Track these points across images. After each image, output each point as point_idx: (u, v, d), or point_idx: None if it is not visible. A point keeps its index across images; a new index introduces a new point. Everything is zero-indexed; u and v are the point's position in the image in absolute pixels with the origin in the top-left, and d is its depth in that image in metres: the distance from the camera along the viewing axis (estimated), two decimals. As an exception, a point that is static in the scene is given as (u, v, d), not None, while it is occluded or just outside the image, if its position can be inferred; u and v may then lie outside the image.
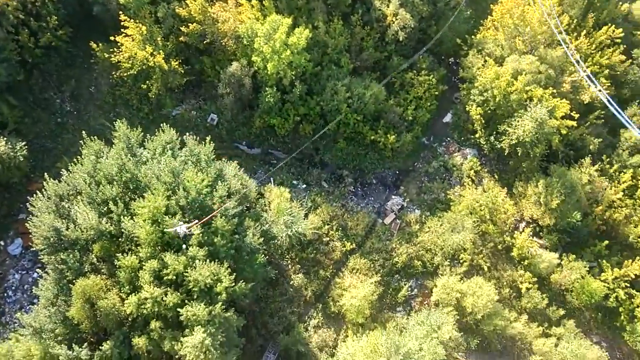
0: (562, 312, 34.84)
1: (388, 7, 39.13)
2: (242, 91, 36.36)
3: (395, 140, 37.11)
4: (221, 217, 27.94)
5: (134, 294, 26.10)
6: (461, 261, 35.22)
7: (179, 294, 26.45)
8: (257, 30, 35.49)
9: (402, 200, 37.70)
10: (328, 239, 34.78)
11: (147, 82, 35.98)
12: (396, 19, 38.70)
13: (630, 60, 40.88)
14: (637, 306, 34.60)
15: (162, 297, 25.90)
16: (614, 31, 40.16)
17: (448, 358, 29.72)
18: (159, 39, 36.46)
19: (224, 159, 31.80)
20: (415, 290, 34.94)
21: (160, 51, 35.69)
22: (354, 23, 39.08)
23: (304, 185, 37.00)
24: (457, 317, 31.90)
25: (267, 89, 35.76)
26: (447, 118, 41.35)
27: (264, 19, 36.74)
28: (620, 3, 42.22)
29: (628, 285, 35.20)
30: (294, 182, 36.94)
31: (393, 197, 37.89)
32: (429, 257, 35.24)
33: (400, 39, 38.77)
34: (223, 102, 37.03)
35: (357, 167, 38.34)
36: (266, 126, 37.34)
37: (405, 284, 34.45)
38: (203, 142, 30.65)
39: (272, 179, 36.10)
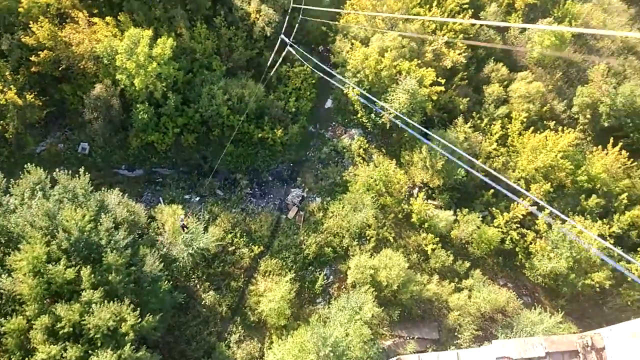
0: (467, 264, 35.66)
1: (250, 4, 37.56)
2: (111, 113, 32.84)
3: (283, 134, 35.73)
4: (112, 252, 24.80)
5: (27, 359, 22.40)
6: (368, 238, 34.79)
7: (80, 345, 23.18)
8: (117, 47, 32.33)
9: (302, 192, 36.45)
10: (233, 247, 32.56)
11: (1, 122, 31.30)
12: (260, 16, 37.29)
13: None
14: (530, 243, 36.30)
15: (62, 354, 22.51)
16: (461, -3, 41.72)
17: (374, 335, 29.01)
18: (7, 73, 32.11)
19: (103, 189, 28.39)
20: (331, 277, 33.93)
21: (11, 86, 31.45)
22: (218, 25, 37.02)
23: (198, 198, 34.36)
24: (375, 293, 31.37)
25: (138, 105, 32.66)
26: (329, 104, 40.71)
27: (122, 34, 33.56)
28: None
29: (518, 226, 36.83)
30: (186, 196, 34.18)
31: (292, 190, 36.49)
32: (338, 241, 34.38)
33: (268, 34, 37.38)
34: (92, 128, 33.23)
35: (250, 168, 36.45)
36: (145, 144, 34.19)
37: (320, 274, 33.27)
38: (77, 175, 27.23)
39: (161, 198, 33.04)
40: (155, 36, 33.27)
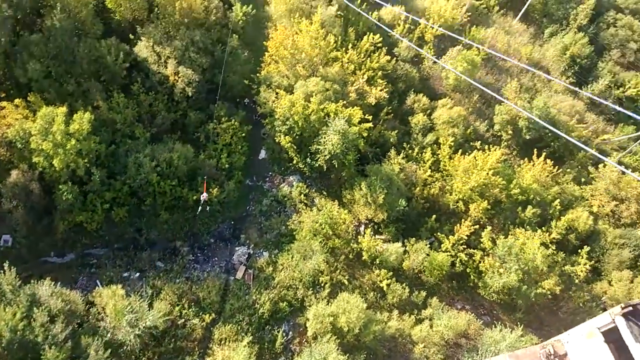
0: (424, 294, 36.06)
1: (167, 68, 37.51)
2: (31, 199, 31.14)
3: (219, 192, 35.22)
4: (51, 348, 23.08)
5: None
6: (322, 284, 34.48)
7: None
8: (30, 129, 31.12)
9: (247, 249, 35.76)
10: (183, 320, 31.08)
11: None
12: (179, 77, 37.29)
13: (394, 59, 45.03)
14: (479, 262, 37.38)
15: None
16: (373, 38, 43.90)
17: (342, 385, 28.33)
18: None
19: (33, 281, 26.47)
20: (290, 333, 33.01)
21: None
22: (136, 92, 36.67)
23: (138, 274, 32.76)
24: (338, 340, 30.79)
25: (60, 186, 31.22)
26: (263, 154, 40.84)
27: (35, 115, 32.30)
28: (370, 12, 46.42)
29: (465, 246, 37.93)
30: (125, 274, 32.50)
31: (237, 249, 35.73)
32: (292, 294, 33.76)
33: (190, 95, 37.40)
34: (13, 218, 31.23)
35: (190, 233, 35.42)
36: (73, 226, 32.49)
37: (278, 332, 32.25)
38: (2, 271, 25.36)
39: (97, 281, 31.26)
40: (71, 112, 32.24)
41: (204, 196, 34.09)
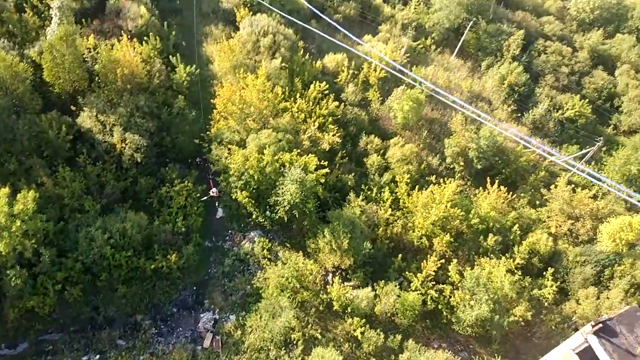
0: (399, 337, 35.73)
1: (113, 135, 36.94)
2: (-26, 289, 29.20)
3: (177, 258, 34.27)
4: None
5: None
6: (295, 342, 33.56)
7: None
8: (-30, 214, 29.42)
9: (213, 314, 34.60)
10: (151, 400, 29.42)
11: None
12: (126, 144, 36.73)
13: (342, 104, 46.14)
14: (450, 296, 37.51)
15: None
16: (320, 86, 44.98)
17: None
18: None
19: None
20: (266, 398, 31.76)
21: None
22: (82, 164, 35.90)
23: (98, 356, 30.97)
24: (317, 399, 29.79)
25: (8, 271, 29.70)
26: (220, 213, 40.27)
27: (-26, 198, 30.74)
28: (313, 62, 47.75)
29: (434, 282, 38.09)
30: (84, 358, 30.62)
31: (202, 315, 34.50)
32: (264, 357, 32.73)
33: (139, 160, 36.79)
34: (-46, 312, 29.17)
35: (150, 305, 34.00)
36: (24, 313, 30.59)
37: (253, 399, 30.95)
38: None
39: (54, 370, 29.36)
40: (14, 192, 31.02)
41: (213, 191, 37.89)
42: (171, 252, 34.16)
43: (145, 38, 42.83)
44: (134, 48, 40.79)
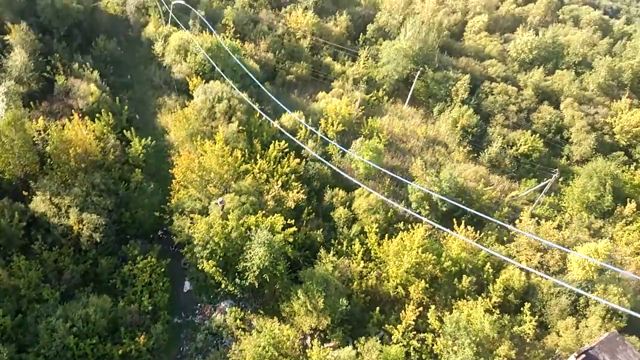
0: (386, 393, 34.52)
1: (69, 218, 35.90)
2: None
3: (146, 339, 32.69)
4: None
5: None
6: (279, 414, 32.00)
7: None
8: None
9: (188, 395, 32.82)
10: None
11: None
12: (83, 225, 35.70)
13: (303, 160, 46.67)
14: (432, 344, 36.98)
15: None
16: (279, 145, 45.52)
17: None
18: None
19: None
20: None
21: None
22: (38, 251, 34.48)
23: None
24: None
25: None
26: (187, 286, 39.08)
27: None
28: (271, 123, 48.50)
29: (415, 332, 37.58)
30: None
31: (176, 398, 32.68)
32: None
33: (99, 240, 35.70)
34: None
35: (120, 394, 31.97)
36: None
37: None
38: None
39: None
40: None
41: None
42: (139, 334, 32.58)
43: (97, 115, 42.76)
44: (86, 126, 40.56)
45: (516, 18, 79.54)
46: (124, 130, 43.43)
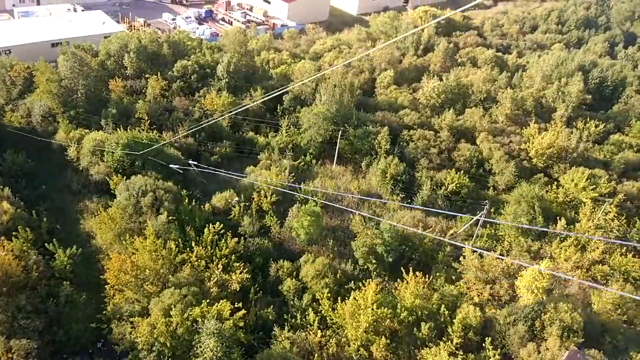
0: None
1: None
2: None
3: None
4: None
5: None
6: None
7: None
8: None
9: None
10: None
11: None
12: (13, 353, 33.37)
13: (242, 238, 46.46)
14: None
15: None
16: (214, 227, 45.31)
17: None
18: None
19: None
20: None
21: None
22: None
23: None
24: None
25: None
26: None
27: None
28: (202, 206, 48.10)
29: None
30: None
31: None
32: None
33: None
34: None
35: None
36: None
37: None
38: None
39: None
40: None
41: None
42: None
43: (14, 233, 41.03)
44: (3, 247, 38.81)
45: (419, 68, 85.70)
46: (46, 244, 41.78)
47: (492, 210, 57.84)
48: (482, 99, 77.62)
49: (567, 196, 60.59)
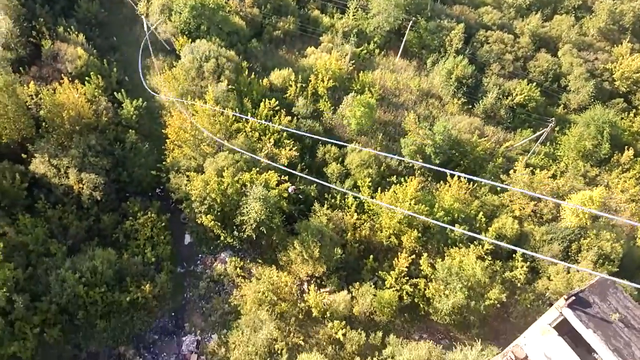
0: (380, 334, 40.71)
1: (68, 177, 41.22)
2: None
3: (151, 287, 38.61)
4: None
5: None
6: (279, 351, 38.14)
7: None
8: None
9: (195, 336, 38.99)
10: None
11: None
12: (84, 184, 41.05)
13: (294, 118, 51.73)
14: (425, 289, 42.89)
15: None
16: (270, 103, 50.56)
17: None
18: None
19: None
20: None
21: None
22: (42, 209, 39.93)
23: (87, 390, 34.85)
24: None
25: (-18, 322, 33.24)
26: (188, 239, 45.01)
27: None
28: (260, 80, 52.98)
29: (407, 277, 43.44)
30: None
31: (184, 339, 38.92)
32: (250, 370, 37.11)
33: (99, 198, 41.18)
34: None
35: (132, 335, 38.20)
36: (7, 359, 34.28)
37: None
38: None
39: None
40: (-22, 244, 34.93)
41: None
42: (144, 283, 38.57)
43: (87, 78, 47.67)
44: (77, 89, 45.44)
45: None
46: (115, 93, 48.45)
47: (556, 128, 59.92)
48: (575, 6, 75.68)
49: (642, 126, 61.51)
